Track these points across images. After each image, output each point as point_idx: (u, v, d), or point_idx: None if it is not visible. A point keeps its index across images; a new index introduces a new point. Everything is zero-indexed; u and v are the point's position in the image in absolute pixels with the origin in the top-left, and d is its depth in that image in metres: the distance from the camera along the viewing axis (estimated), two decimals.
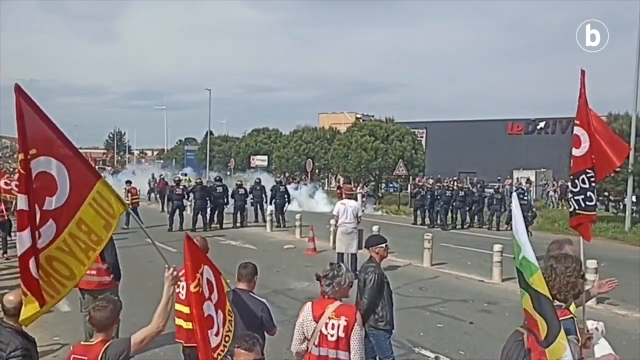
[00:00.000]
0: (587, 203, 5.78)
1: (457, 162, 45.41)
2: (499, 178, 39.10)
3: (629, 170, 21.08)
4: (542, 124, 45.76)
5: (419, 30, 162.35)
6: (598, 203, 22.59)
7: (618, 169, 22.53)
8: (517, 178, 37.20)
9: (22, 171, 3.30)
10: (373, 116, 51.33)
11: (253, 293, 4.77)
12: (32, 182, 3.29)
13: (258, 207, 22.30)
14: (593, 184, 5.84)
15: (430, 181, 32.46)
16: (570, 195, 5.82)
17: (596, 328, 3.63)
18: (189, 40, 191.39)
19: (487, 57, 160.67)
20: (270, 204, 21.79)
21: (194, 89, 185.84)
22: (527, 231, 3.17)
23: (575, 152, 5.90)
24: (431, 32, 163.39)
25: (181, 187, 20.68)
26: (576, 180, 5.81)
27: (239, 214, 21.22)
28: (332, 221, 17.55)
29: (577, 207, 5.78)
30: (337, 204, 13.01)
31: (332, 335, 4.08)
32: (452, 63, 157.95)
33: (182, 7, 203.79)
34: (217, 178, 22.13)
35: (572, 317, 3.48)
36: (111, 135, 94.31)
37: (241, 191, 21.42)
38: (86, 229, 3.50)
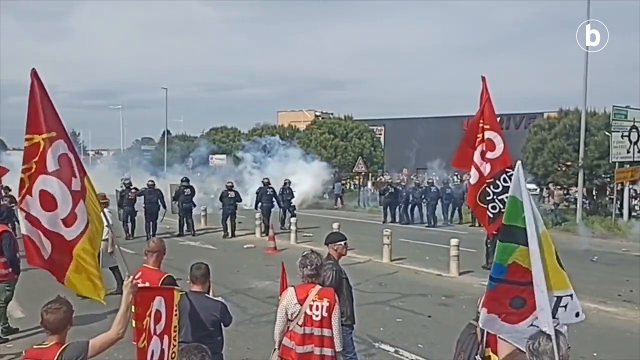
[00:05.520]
0: None
1: (415, 158, 45.92)
2: (456, 174, 39.77)
3: (580, 165, 21.79)
4: None
5: (377, 27, 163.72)
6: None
7: (569, 163, 23.33)
8: None
9: (42, 151, 3.50)
10: (332, 114, 51.46)
11: (208, 294, 4.72)
12: (56, 162, 3.54)
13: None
14: None
15: (404, 178, 32.61)
16: (492, 196, 6.04)
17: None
18: (144, 38, 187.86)
19: (443, 54, 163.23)
20: (256, 208, 19.31)
21: (150, 88, 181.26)
22: None
23: (491, 155, 6.18)
24: (389, 29, 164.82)
25: (132, 190, 18.10)
26: (497, 181, 6.09)
27: (228, 221, 18.37)
28: (293, 219, 17.65)
29: (502, 207, 6.02)
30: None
31: (317, 316, 4.59)
32: (410, 60, 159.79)
33: (136, 4, 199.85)
34: (184, 179, 19.67)
35: None
36: None
37: (231, 194, 18.58)
38: (90, 218, 3.73)
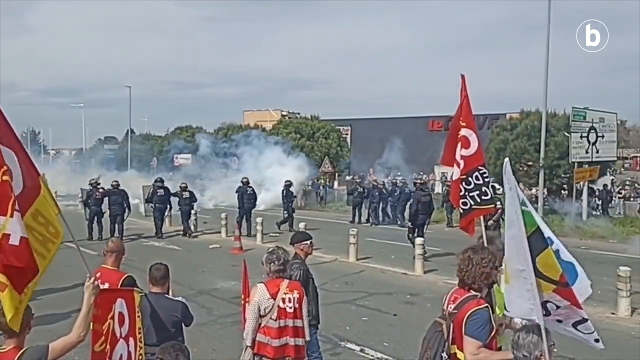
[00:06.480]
0: (483, 198, 6.14)
1: (382, 158, 46.25)
2: (421, 174, 40.22)
3: (540, 165, 22.26)
4: None
5: (344, 27, 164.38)
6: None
7: (530, 163, 23.82)
8: (443, 173, 38.41)
9: None
10: (299, 114, 51.43)
11: (168, 295, 4.68)
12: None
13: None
14: (487, 179, 6.21)
15: (374, 177, 32.73)
16: (464, 192, 6.11)
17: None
18: (109, 36, 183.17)
19: (409, 55, 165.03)
20: (239, 208, 18.66)
21: (113, 86, 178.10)
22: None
23: (465, 152, 6.25)
24: (356, 29, 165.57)
25: (100, 190, 17.53)
26: (469, 178, 6.15)
27: (186, 221, 18.26)
28: (259, 219, 17.53)
29: (472, 204, 6.10)
30: None
31: (290, 308, 4.76)
32: (376, 61, 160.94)
33: (101, 0, 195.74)
34: (159, 179, 18.91)
35: (487, 306, 3.64)
36: (24, 135, 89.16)
37: (185, 194, 18.27)
38: (43, 221, 3.52)
